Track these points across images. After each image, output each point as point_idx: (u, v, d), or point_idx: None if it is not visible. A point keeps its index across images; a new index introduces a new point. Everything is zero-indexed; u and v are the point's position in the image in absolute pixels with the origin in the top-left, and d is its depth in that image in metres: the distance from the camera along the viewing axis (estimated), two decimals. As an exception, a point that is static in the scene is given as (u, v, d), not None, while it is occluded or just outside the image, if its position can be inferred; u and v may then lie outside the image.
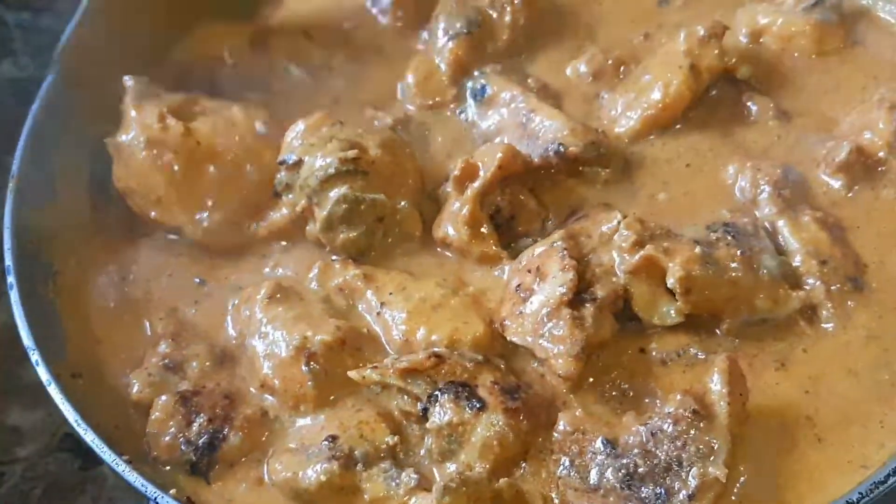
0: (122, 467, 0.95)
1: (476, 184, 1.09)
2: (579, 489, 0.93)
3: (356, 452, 0.96)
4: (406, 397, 0.99)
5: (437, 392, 0.97)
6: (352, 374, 1.01)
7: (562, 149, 1.14)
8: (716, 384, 0.95)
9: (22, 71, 1.75)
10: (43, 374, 1.00)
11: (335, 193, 1.06)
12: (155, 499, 0.93)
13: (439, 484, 0.91)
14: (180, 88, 1.25)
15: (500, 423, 0.95)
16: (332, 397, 1.03)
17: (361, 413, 1.01)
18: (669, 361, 1.02)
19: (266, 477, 1.00)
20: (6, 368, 1.46)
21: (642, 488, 0.91)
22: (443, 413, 0.96)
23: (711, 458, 0.90)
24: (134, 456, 0.98)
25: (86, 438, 0.96)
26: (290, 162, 1.10)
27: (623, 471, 0.92)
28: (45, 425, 1.43)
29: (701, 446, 0.91)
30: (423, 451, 0.98)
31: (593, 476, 0.93)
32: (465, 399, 0.96)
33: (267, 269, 1.16)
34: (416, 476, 0.95)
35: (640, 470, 0.91)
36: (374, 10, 1.35)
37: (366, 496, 0.95)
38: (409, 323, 1.04)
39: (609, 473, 0.92)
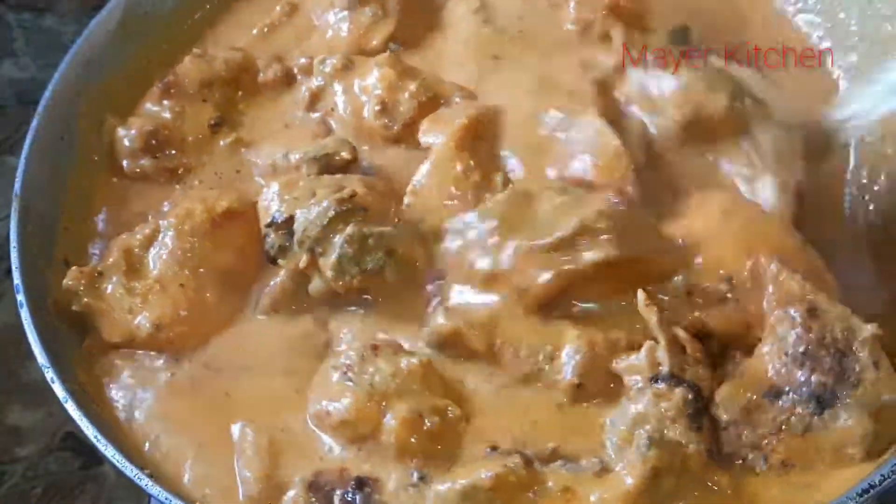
0: (144, 482, 0.95)
1: None
2: (796, 436, 0.92)
3: (529, 453, 0.93)
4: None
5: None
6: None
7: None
8: (790, 281, 0.95)
9: (23, 71, 1.75)
10: (59, 391, 1.00)
11: (341, 235, 1.02)
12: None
13: (641, 439, 0.90)
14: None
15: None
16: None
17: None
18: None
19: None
20: (6, 368, 1.46)
21: (837, 399, 0.91)
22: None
23: (856, 328, 0.93)
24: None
25: (106, 454, 0.96)
26: (281, 220, 1.04)
27: (811, 403, 0.91)
28: (45, 425, 1.44)
29: (840, 329, 0.92)
30: None
31: (797, 426, 0.91)
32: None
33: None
34: (596, 459, 0.92)
35: (829, 383, 0.91)
36: None
37: (550, 484, 0.90)
38: None
39: (802, 409, 0.91)
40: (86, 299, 1.07)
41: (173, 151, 1.19)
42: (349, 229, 1.02)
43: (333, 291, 1.04)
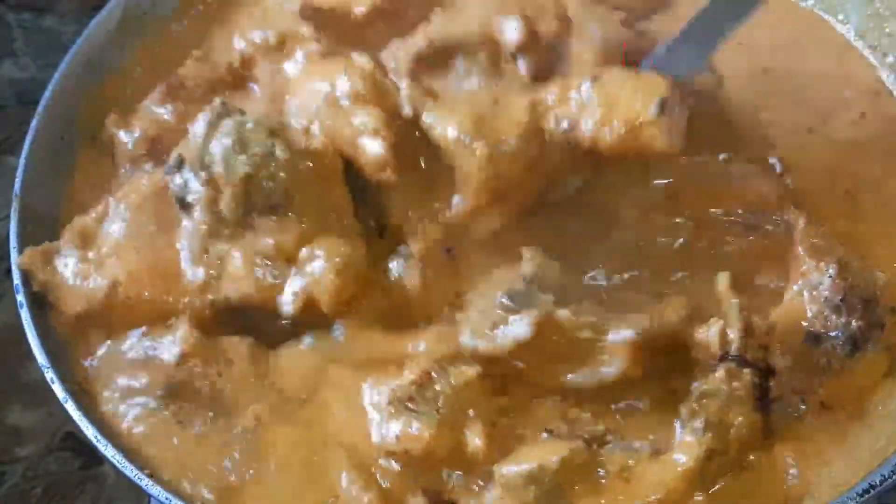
0: (144, 482, 0.95)
1: None
2: (833, 377, 0.96)
3: (586, 435, 0.94)
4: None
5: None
6: None
7: None
8: (817, 237, 1.00)
9: (23, 71, 1.76)
10: (59, 391, 1.00)
11: (219, 135, 1.00)
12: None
13: (697, 422, 0.92)
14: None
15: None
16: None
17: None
18: None
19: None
20: (6, 368, 1.46)
21: (868, 341, 0.96)
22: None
23: (876, 278, 0.98)
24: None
25: (106, 454, 0.97)
26: (174, 163, 1.03)
27: (847, 345, 0.95)
28: (45, 425, 1.44)
29: (864, 279, 0.97)
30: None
31: (835, 367, 0.95)
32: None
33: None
34: (647, 442, 0.94)
35: (863, 326, 0.95)
36: None
37: (609, 466, 0.93)
38: None
39: (840, 352, 0.95)
40: (41, 276, 1.06)
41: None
42: (224, 125, 1.00)
43: (246, 203, 1.00)
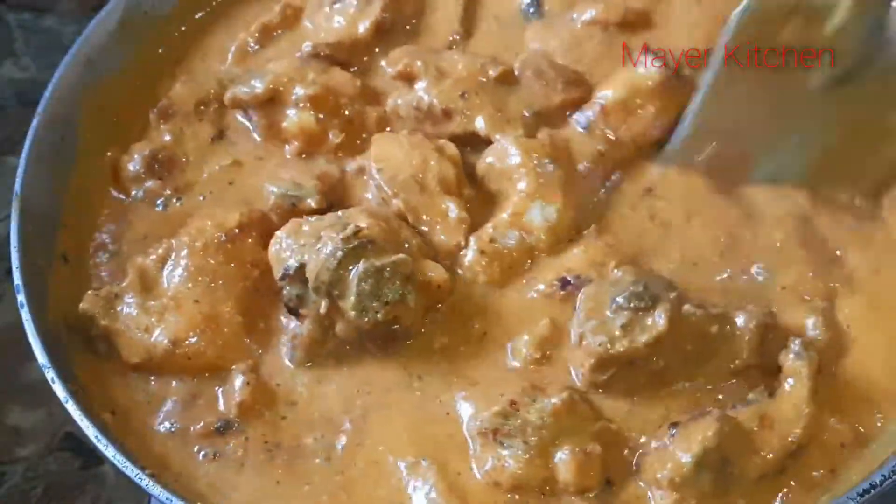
0: (144, 482, 0.95)
1: None
2: None
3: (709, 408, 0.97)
4: None
5: None
6: None
7: None
8: None
9: (23, 71, 1.76)
10: (59, 391, 1.00)
11: (354, 274, 1.00)
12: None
13: (795, 346, 0.97)
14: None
15: None
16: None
17: None
18: None
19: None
20: (6, 368, 1.46)
21: None
22: None
23: None
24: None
25: (107, 454, 0.96)
26: (292, 271, 1.02)
27: None
28: (45, 425, 1.44)
29: None
30: None
31: None
32: None
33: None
34: (758, 392, 0.97)
35: None
36: None
37: (751, 424, 0.95)
38: None
39: None
40: (103, 322, 1.07)
41: (175, 171, 1.21)
42: (361, 266, 1.00)
43: (361, 330, 1.02)
